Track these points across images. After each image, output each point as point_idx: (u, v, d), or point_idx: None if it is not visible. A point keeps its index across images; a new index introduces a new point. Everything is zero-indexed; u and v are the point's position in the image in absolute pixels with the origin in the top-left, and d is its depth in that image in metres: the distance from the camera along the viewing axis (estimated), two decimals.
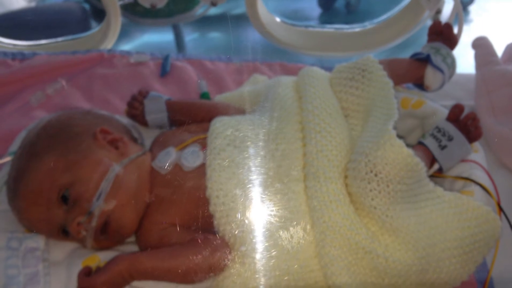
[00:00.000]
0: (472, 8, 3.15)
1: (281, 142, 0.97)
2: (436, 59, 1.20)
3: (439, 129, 1.05)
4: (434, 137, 1.05)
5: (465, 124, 1.06)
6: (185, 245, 0.92)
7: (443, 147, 1.03)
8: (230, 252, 0.90)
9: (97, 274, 0.87)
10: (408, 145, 0.93)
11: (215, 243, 0.90)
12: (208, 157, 0.96)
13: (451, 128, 1.05)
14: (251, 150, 0.97)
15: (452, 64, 1.22)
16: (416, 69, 1.22)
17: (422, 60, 1.22)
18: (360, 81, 1.09)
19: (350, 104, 1.09)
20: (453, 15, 1.38)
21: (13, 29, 2.00)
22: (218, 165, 0.94)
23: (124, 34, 1.91)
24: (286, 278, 0.89)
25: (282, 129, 0.99)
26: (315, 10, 3.10)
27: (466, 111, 1.08)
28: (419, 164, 0.93)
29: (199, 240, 0.91)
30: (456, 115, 1.07)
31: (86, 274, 0.88)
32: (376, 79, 1.07)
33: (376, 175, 0.90)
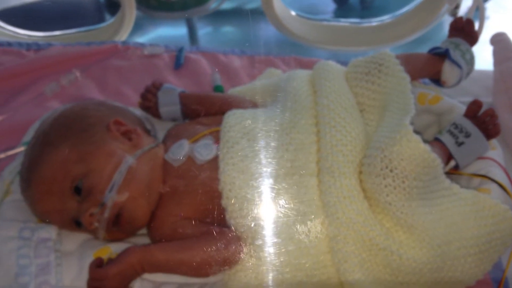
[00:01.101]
0: (489, 4, 3.12)
1: (295, 136, 0.96)
2: (455, 54, 1.18)
3: (456, 126, 1.04)
4: (451, 133, 1.03)
5: (483, 121, 1.04)
6: (198, 237, 0.91)
7: (460, 144, 1.01)
8: (243, 246, 0.90)
9: (108, 266, 0.87)
10: (424, 141, 0.91)
11: (228, 236, 0.90)
12: (221, 150, 0.95)
13: (468, 125, 1.03)
14: (265, 144, 0.96)
15: (470, 60, 1.20)
16: (434, 64, 1.20)
17: (440, 55, 1.20)
18: (376, 75, 1.07)
19: (366, 99, 1.07)
20: (472, 10, 1.36)
21: (29, 20, 2.01)
22: (231, 158, 0.93)
23: (137, 27, 1.92)
24: (299, 273, 0.88)
25: (296, 122, 0.98)
26: (330, 5, 3.09)
27: (484, 108, 1.06)
28: (436, 160, 0.91)
29: (212, 233, 0.91)
30: (474, 112, 1.05)
31: (98, 265, 0.88)
32: (393, 73, 1.05)
33: (391, 170, 0.89)
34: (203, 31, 2.74)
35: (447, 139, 1.02)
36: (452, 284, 0.90)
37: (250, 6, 2.50)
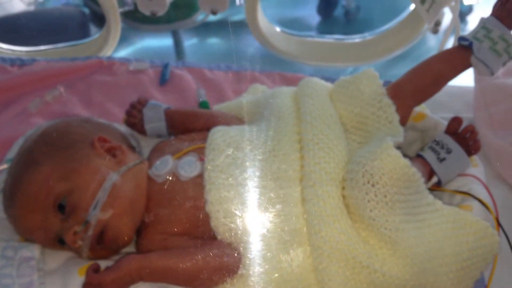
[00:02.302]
0: (470, 18, 3.17)
1: (278, 153, 0.97)
2: (481, 47, 1.04)
3: (437, 142, 1.05)
4: (433, 149, 1.04)
5: (464, 137, 1.06)
6: (197, 247, 0.92)
7: (441, 160, 1.03)
8: (240, 258, 0.90)
9: (106, 272, 0.88)
10: (406, 157, 0.93)
11: (226, 246, 0.91)
12: (206, 169, 0.95)
13: (449, 141, 1.05)
14: (249, 162, 0.96)
15: (505, 50, 1.04)
16: (458, 63, 1.07)
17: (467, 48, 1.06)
18: (359, 97, 1.07)
19: (349, 121, 1.07)
20: (450, 29, 1.39)
21: (11, 33, 2.00)
22: (216, 178, 0.94)
23: (123, 39, 1.91)
24: None
25: (280, 140, 0.99)
26: (315, 18, 3.12)
27: (464, 124, 1.07)
28: (416, 174, 0.92)
29: (210, 244, 0.92)
30: (454, 128, 1.07)
31: (95, 270, 0.89)
32: (376, 98, 1.05)
33: (373, 185, 0.90)
34: (189, 42, 2.74)
35: (428, 155, 1.03)
36: None
37: (237, 17, 2.51)
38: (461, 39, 1.07)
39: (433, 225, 0.91)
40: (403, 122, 1.07)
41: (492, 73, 1.06)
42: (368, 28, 1.91)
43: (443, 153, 1.03)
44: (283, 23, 2.02)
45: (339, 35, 1.91)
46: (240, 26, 1.89)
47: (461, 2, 1.56)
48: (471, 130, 1.06)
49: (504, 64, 1.06)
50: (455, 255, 0.89)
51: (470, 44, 1.05)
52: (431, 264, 0.88)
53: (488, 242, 0.91)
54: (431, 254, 0.88)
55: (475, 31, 1.06)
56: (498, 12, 1.07)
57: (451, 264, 0.89)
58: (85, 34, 2.14)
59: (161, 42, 2.74)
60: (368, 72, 1.09)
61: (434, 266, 0.88)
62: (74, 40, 2.00)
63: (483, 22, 1.06)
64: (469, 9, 2.49)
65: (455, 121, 1.07)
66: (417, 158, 1.05)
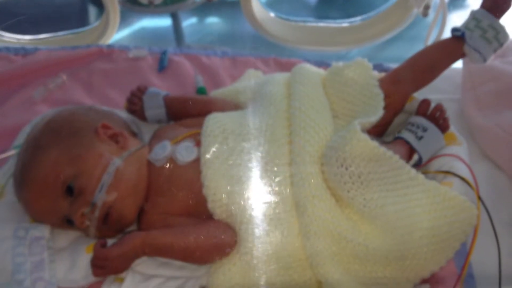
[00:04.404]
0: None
1: (269, 138, 1.03)
2: (472, 36, 1.12)
3: (412, 124, 1.11)
4: (410, 130, 1.10)
5: (434, 116, 1.12)
6: (198, 224, 0.99)
7: (420, 138, 1.08)
8: (236, 236, 0.97)
9: (112, 247, 0.94)
10: (386, 142, 0.98)
11: (223, 224, 0.98)
12: (202, 154, 1.01)
13: (423, 121, 1.11)
14: (242, 147, 1.02)
15: (495, 37, 1.12)
16: (454, 51, 1.16)
17: (459, 37, 1.14)
18: (352, 87, 1.13)
19: (340, 107, 1.13)
20: (438, 13, 1.42)
21: (13, 22, 2.03)
22: (211, 163, 1.00)
23: (121, 21, 1.91)
24: (276, 266, 0.95)
25: (270, 125, 1.05)
26: None
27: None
28: (387, 153, 0.98)
29: (208, 221, 0.99)
30: (424, 110, 1.13)
31: (102, 246, 0.95)
32: (367, 88, 1.12)
33: (346, 168, 0.96)
34: (188, 22, 2.73)
35: (407, 135, 1.09)
36: (418, 271, 0.96)
37: None
38: (454, 30, 1.16)
39: (413, 200, 0.96)
40: (400, 107, 1.16)
41: (485, 60, 1.14)
42: (366, 7, 1.92)
43: (420, 131, 1.09)
44: (281, 1, 2.01)
45: (331, 20, 1.94)
46: (238, 5, 1.89)
47: None
48: (440, 109, 1.13)
49: (495, 51, 1.14)
50: (434, 229, 0.93)
51: (463, 34, 1.13)
52: (412, 236, 0.93)
53: (466, 216, 0.95)
54: (410, 227, 0.93)
55: (466, 22, 1.15)
56: (487, 3, 1.14)
57: (430, 236, 0.93)
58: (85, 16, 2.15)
59: (160, 22, 2.72)
60: (362, 63, 1.16)
61: (414, 238, 0.93)
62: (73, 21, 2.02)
63: (473, 14, 1.14)
64: None
65: (424, 103, 1.14)
66: (397, 139, 1.10)
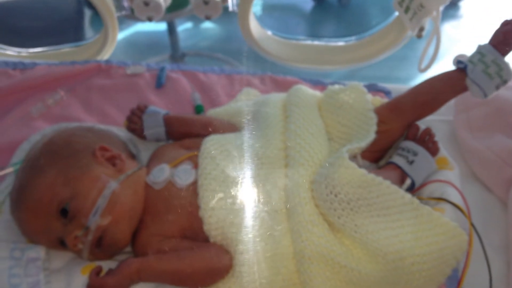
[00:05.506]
0: (462, 3, 3.20)
1: (265, 161, 1.05)
2: (475, 70, 1.11)
3: (403, 148, 1.13)
4: (401, 155, 1.12)
5: (424, 140, 1.14)
6: (193, 248, 0.99)
7: (411, 162, 1.10)
8: (232, 260, 0.97)
9: (108, 276, 0.95)
10: (378, 167, 0.99)
11: (218, 249, 0.98)
12: (200, 177, 1.03)
13: (413, 145, 1.13)
14: (239, 171, 1.04)
15: (497, 73, 1.10)
16: (455, 84, 1.15)
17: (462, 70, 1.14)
18: (347, 111, 1.15)
19: (335, 130, 1.15)
20: (432, 38, 1.44)
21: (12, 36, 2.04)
22: (209, 185, 1.01)
23: None
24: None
25: (267, 148, 1.07)
26: (308, 3, 3.12)
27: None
28: (375, 179, 0.99)
29: (204, 245, 0.99)
30: (414, 134, 1.16)
31: (97, 273, 0.95)
32: (362, 112, 1.14)
33: (336, 195, 0.97)
34: (183, 26, 2.74)
35: (398, 160, 1.11)
36: None
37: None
38: (458, 62, 1.15)
39: (405, 226, 0.97)
40: (398, 135, 1.17)
41: (485, 95, 1.12)
42: (361, 14, 1.93)
43: (411, 156, 1.11)
44: (277, 8, 2.00)
45: (327, 39, 1.96)
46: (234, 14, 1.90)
47: None
48: (429, 133, 1.16)
49: (497, 87, 1.11)
50: (425, 255, 0.94)
51: (465, 67, 1.12)
52: (403, 262, 0.94)
53: (457, 241, 0.97)
54: (402, 253, 0.94)
55: (471, 55, 1.14)
56: (495, 39, 1.12)
57: (422, 263, 0.94)
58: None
59: (155, 27, 2.72)
60: (357, 87, 1.18)
61: (406, 265, 0.93)
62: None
63: (479, 48, 1.13)
64: None
65: (413, 128, 1.16)
66: (388, 165, 1.12)
